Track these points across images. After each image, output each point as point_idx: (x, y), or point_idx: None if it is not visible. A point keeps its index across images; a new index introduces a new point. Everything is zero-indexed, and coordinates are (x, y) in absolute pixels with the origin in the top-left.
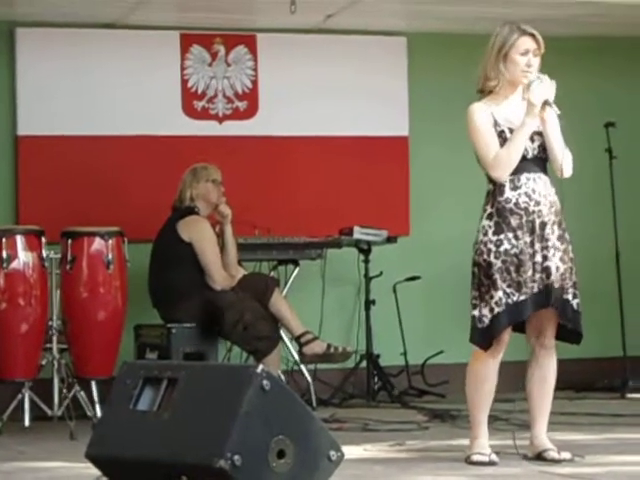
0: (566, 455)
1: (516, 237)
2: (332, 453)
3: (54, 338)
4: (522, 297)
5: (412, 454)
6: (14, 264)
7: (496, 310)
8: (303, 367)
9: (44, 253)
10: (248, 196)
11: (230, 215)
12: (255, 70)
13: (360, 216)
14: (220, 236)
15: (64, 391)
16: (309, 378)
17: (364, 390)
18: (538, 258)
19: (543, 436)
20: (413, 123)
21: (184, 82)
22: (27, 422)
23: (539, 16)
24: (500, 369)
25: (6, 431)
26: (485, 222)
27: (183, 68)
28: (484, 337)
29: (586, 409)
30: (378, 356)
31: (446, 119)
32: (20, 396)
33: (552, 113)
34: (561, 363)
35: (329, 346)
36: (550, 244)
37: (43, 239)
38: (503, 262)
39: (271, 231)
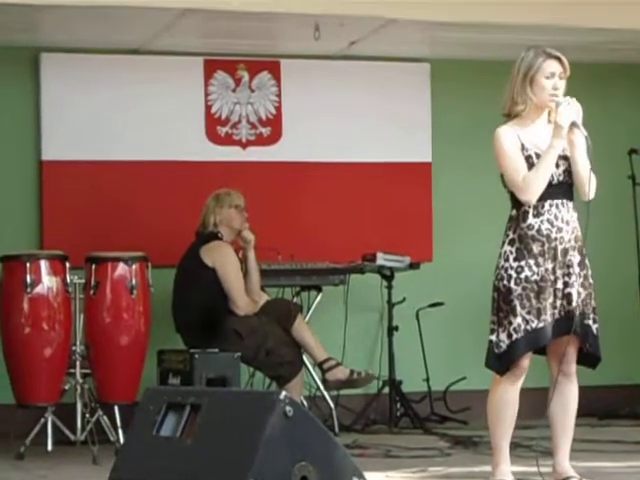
0: None
1: (537, 264)
2: (355, 479)
3: (77, 363)
4: (541, 324)
5: None
6: (38, 289)
7: (514, 336)
8: (325, 393)
9: (68, 278)
10: (271, 222)
11: (253, 241)
12: (279, 96)
13: (383, 242)
14: (243, 262)
15: (87, 416)
16: (331, 404)
17: (386, 416)
18: (559, 285)
19: (566, 463)
20: (436, 149)
21: (208, 108)
22: (50, 447)
23: (562, 43)
24: (522, 395)
25: (29, 455)
26: (507, 247)
27: (207, 94)
28: (501, 362)
29: (609, 436)
30: (400, 382)
31: (469, 145)
32: (43, 420)
33: (579, 135)
34: (584, 390)
35: (352, 372)
36: (572, 270)
37: (67, 264)
38: (523, 289)
39: (294, 257)
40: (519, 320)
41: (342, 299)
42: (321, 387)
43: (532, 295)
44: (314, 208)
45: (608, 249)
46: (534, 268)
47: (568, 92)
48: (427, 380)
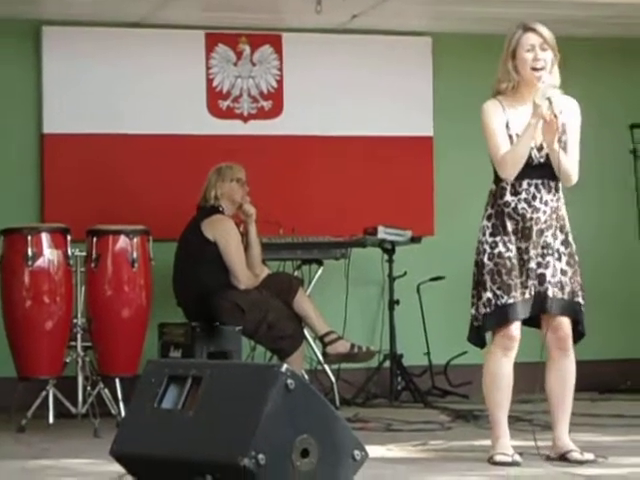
0: (589, 456)
1: (511, 241)
2: (356, 452)
3: (79, 336)
4: (510, 300)
5: (435, 454)
6: (39, 262)
7: (483, 311)
8: (326, 367)
9: (69, 251)
10: (272, 195)
11: (254, 214)
12: (280, 70)
13: (384, 216)
14: (244, 235)
15: (88, 389)
16: (332, 378)
17: (387, 390)
18: (532, 265)
19: (565, 437)
20: (437, 123)
21: (209, 81)
22: (51, 420)
23: (563, 17)
24: (522, 369)
25: (30, 428)
26: (484, 222)
27: (208, 67)
28: (477, 336)
29: (609, 410)
30: (401, 356)
31: (470, 119)
32: (44, 394)
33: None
34: (584, 364)
35: (353, 346)
36: (550, 251)
37: (68, 237)
38: (495, 264)
39: (295, 230)
40: (489, 295)
41: (343, 273)
42: (322, 361)
43: (504, 271)
44: (315, 182)
45: (610, 224)
46: (508, 245)
47: (569, 66)
48: (428, 354)
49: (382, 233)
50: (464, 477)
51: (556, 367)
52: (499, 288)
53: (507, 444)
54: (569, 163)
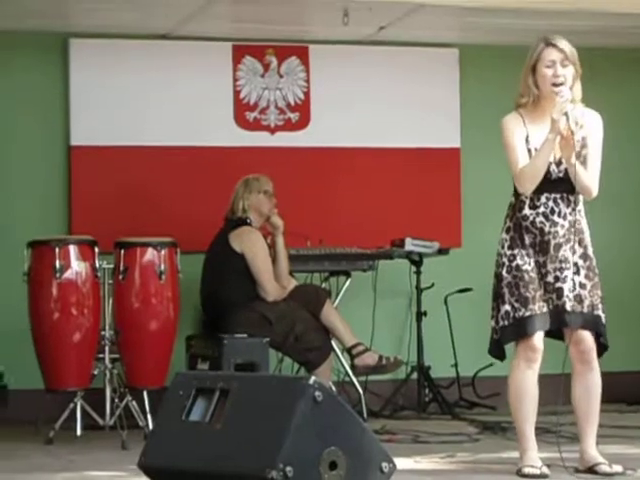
0: (618, 468)
1: (528, 254)
2: (384, 465)
3: (106, 348)
4: (527, 313)
5: (463, 466)
6: (67, 274)
7: (501, 323)
8: (354, 378)
9: (97, 263)
10: (300, 207)
11: (282, 226)
12: (307, 81)
13: (412, 227)
14: (272, 247)
15: (116, 401)
16: (360, 389)
17: (415, 402)
18: (550, 279)
19: (593, 449)
20: (465, 135)
21: (236, 93)
22: (79, 431)
23: (590, 28)
24: (549, 381)
25: (58, 440)
26: (503, 235)
27: (235, 79)
28: (498, 349)
29: (638, 422)
30: (429, 368)
31: (498, 131)
32: (72, 405)
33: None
34: (613, 376)
35: (381, 357)
36: (567, 265)
37: (96, 249)
38: (513, 277)
39: (323, 242)
40: (507, 307)
41: (371, 284)
42: (350, 372)
43: (521, 284)
44: (342, 194)
45: (634, 235)
46: (525, 258)
47: (596, 75)
48: (455, 365)
49: (409, 245)
50: None
51: (581, 380)
52: (517, 301)
53: (535, 456)
54: (588, 178)
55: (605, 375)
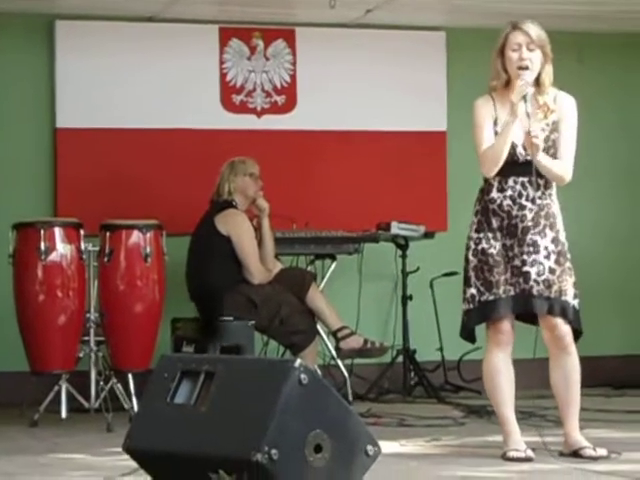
0: (602, 452)
1: (495, 238)
2: (369, 448)
3: (91, 330)
4: (491, 297)
5: (448, 450)
6: (52, 256)
7: (467, 306)
8: (339, 361)
9: (82, 245)
10: (286, 190)
11: (268, 209)
12: (294, 64)
13: (398, 211)
14: (258, 230)
15: (101, 383)
16: (345, 373)
17: (400, 385)
18: (517, 262)
19: (576, 433)
20: (451, 118)
21: (223, 76)
22: (64, 414)
23: (579, 12)
24: (536, 365)
25: (43, 423)
26: (472, 218)
27: (222, 62)
28: (466, 332)
29: (624, 406)
30: (414, 351)
31: None
32: (57, 388)
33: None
34: (599, 360)
35: (366, 341)
36: (536, 249)
37: (81, 231)
38: (479, 261)
39: (308, 225)
40: (473, 291)
41: (356, 268)
42: (335, 356)
43: (486, 268)
44: (329, 177)
45: (627, 219)
46: (492, 241)
47: (580, 60)
48: (441, 349)
49: (395, 228)
50: (477, 473)
51: (558, 365)
52: (482, 284)
53: (519, 439)
54: (559, 167)
55: (591, 359)
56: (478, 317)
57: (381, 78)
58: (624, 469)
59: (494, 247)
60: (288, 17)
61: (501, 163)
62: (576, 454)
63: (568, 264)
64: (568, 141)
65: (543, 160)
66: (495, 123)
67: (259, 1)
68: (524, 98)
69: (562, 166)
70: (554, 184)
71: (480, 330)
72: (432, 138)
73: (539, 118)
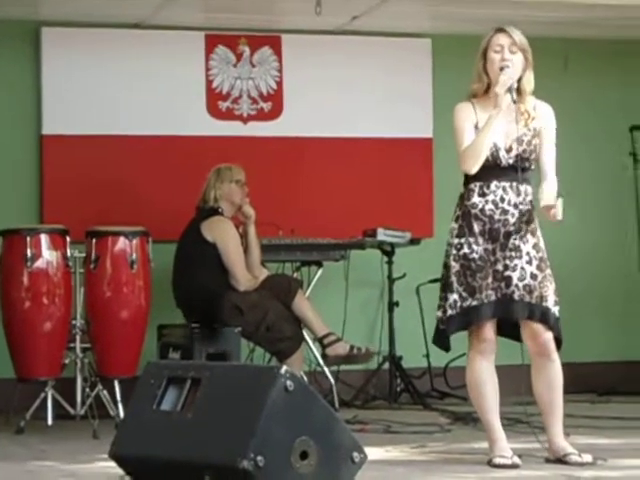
0: (588, 458)
1: (477, 243)
2: (355, 454)
3: (77, 337)
4: (474, 302)
5: (434, 456)
6: (38, 263)
7: (449, 313)
8: (326, 368)
9: (68, 252)
10: (272, 197)
11: (254, 216)
12: (280, 71)
13: (384, 218)
14: (244, 237)
15: (87, 390)
16: (332, 379)
17: (386, 392)
18: (499, 267)
19: (560, 439)
20: (437, 125)
21: (209, 82)
22: (50, 421)
23: (564, 19)
24: (522, 371)
25: (29, 430)
26: (452, 224)
27: (208, 69)
28: (443, 339)
29: (609, 412)
30: (401, 358)
31: None
32: (43, 395)
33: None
34: (584, 366)
35: (352, 347)
36: (518, 254)
37: (67, 238)
38: (461, 266)
39: (295, 232)
40: (455, 296)
41: (343, 274)
42: (321, 362)
43: (469, 273)
44: (315, 183)
45: (610, 226)
46: (473, 246)
47: (571, 67)
48: (427, 356)
49: (381, 235)
50: (463, 479)
51: (541, 373)
52: (465, 290)
53: (505, 446)
54: (554, 183)
55: (576, 365)
56: (460, 323)
57: (367, 85)
58: (611, 475)
59: (476, 252)
60: (274, 24)
61: (482, 159)
62: (561, 460)
63: (548, 271)
64: (551, 150)
65: (548, 188)
66: (476, 127)
67: (245, 8)
68: (509, 90)
69: (555, 180)
70: (531, 192)
71: (462, 337)
72: (418, 145)
73: (521, 125)
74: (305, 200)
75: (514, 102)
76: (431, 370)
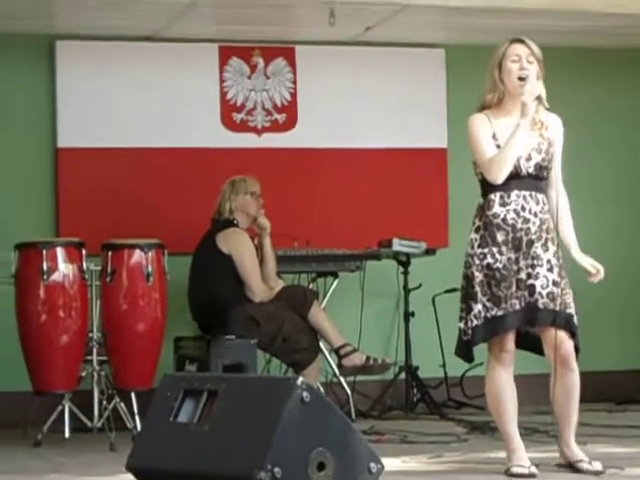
0: (598, 466)
1: (500, 252)
2: (372, 465)
3: (94, 350)
4: (500, 312)
5: (451, 466)
6: (55, 276)
7: (474, 323)
8: (342, 379)
9: (84, 265)
10: (287, 208)
11: (269, 227)
12: (294, 82)
13: (399, 228)
14: (259, 248)
15: (104, 403)
16: (348, 390)
17: (403, 402)
18: (522, 275)
19: (573, 445)
20: (452, 135)
21: (223, 94)
22: (67, 434)
23: (576, 28)
24: (539, 381)
25: (46, 443)
26: (473, 235)
27: (222, 80)
28: (466, 350)
29: (626, 421)
30: (417, 368)
31: None
32: (60, 408)
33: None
34: (602, 375)
35: (368, 358)
36: (540, 262)
37: (84, 251)
38: (485, 276)
39: (310, 243)
40: (479, 307)
41: (358, 285)
42: (337, 373)
43: (493, 283)
44: (330, 194)
45: (627, 234)
46: (497, 256)
47: (587, 73)
48: (443, 366)
49: (397, 245)
50: None
51: (561, 382)
52: (489, 300)
53: (523, 456)
54: (567, 206)
55: (594, 374)
56: (486, 333)
57: (381, 95)
58: None
59: (500, 262)
60: (288, 35)
61: (510, 168)
62: (572, 466)
63: (567, 279)
64: (559, 161)
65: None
66: (493, 137)
67: (259, 19)
68: (538, 98)
69: (565, 194)
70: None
71: (479, 347)
72: (433, 155)
73: (536, 134)
74: (320, 211)
75: (547, 109)
76: (447, 380)
